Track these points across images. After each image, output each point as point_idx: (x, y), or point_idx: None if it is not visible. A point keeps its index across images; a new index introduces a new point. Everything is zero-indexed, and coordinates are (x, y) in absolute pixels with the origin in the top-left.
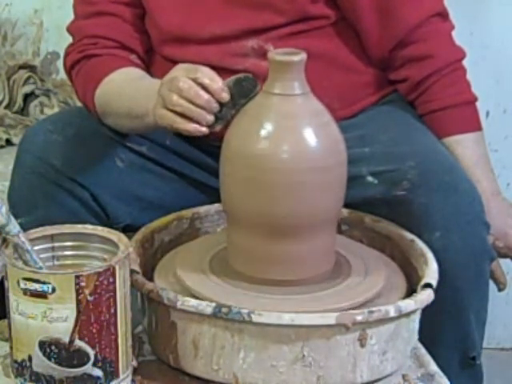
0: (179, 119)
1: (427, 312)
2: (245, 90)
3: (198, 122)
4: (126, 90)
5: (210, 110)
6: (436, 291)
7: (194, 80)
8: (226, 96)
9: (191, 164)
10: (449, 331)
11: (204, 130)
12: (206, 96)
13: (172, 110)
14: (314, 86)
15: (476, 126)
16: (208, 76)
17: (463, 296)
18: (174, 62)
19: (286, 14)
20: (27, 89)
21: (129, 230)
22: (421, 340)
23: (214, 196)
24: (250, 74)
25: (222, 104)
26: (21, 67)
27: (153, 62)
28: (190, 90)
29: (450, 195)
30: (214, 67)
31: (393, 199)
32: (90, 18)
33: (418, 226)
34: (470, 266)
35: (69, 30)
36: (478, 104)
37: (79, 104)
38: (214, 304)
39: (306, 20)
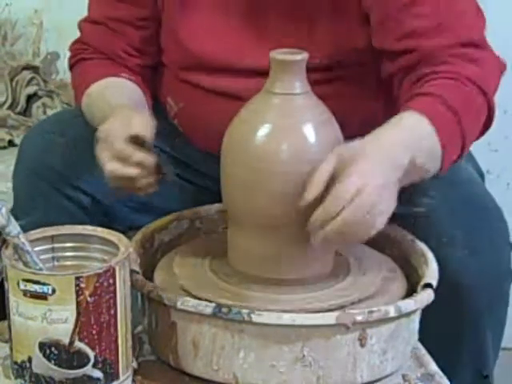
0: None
1: (444, 329)
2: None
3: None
4: (95, 109)
5: (148, 174)
6: (455, 310)
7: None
8: (150, 161)
9: (192, 169)
10: (465, 350)
11: (154, 188)
12: (135, 171)
13: None
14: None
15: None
16: (125, 154)
17: (482, 316)
18: (199, 88)
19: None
20: (30, 90)
21: (130, 229)
22: (434, 356)
23: (215, 200)
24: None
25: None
26: (24, 68)
27: (170, 81)
28: (116, 178)
29: (474, 213)
30: (240, 98)
31: (413, 215)
32: (92, 24)
33: (440, 243)
34: (491, 288)
35: (78, 25)
36: None
37: None
38: (213, 304)
39: (339, 68)
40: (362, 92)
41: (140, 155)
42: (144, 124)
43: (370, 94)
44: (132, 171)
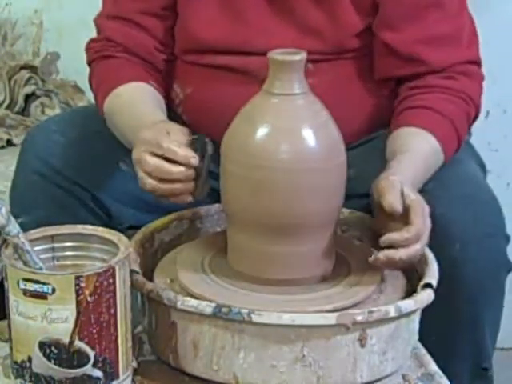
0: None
1: (442, 323)
2: (204, 146)
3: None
4: (125, 114)
5: (187, 178)
6: (452, 302)
7: (161, 156)
8: (194, 161)
9: None
10: (464, 342)
11: (189, 199)
12: (176, 169)
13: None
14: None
15: (450, 150)
16: (171, 150)
17: (480, 308)
18: (209, 67)
19: (327, 43)
20: (28, 89)
21: (130, 229)
22: (433, 350)
23: (215, 200)
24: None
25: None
26: (22, 67)
27: (177, 68)
28: (157, 171)
29: (470, 206)
30: (251, 74)
31: None
32: (115, 20)
33: (437, 238)
34: (488, 280)
35: (95, 22)
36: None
37: (80, 105)
38: (213, 304)
39: (344, 52)
40: (362, 81)
41: (187, 153)
42: (182, 135)
43: (369, 85)
44: (175, 169)
